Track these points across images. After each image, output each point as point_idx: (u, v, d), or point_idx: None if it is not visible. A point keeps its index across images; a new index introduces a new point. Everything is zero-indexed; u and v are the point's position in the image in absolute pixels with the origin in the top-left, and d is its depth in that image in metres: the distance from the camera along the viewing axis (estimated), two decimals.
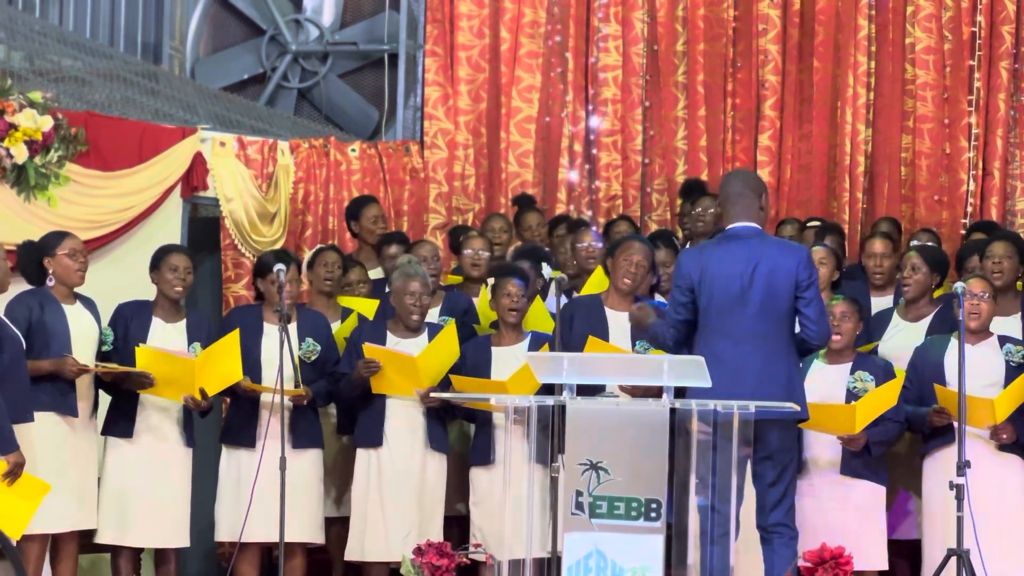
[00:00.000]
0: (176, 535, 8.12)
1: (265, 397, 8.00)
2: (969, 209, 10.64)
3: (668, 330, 7.19)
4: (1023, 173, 10.70)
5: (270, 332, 8.10)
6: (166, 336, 8.08)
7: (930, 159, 10.73)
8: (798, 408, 6.69)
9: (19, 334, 7.46)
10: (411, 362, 8.01)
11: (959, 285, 7.53)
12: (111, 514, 8.00)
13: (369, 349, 8.07)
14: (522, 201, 10.32)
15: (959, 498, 7.18)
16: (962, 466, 7.22)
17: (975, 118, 10.67)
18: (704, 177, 10.69)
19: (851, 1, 10.76)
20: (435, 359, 8.07)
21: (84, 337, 7.88)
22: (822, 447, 7.73)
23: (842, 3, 10.79)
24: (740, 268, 6.98)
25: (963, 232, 10.31)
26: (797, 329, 7.07)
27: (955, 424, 7.47)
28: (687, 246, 9.51)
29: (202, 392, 7.88)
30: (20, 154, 8.61)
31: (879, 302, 8.74)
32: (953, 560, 7.23)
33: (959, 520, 7.19)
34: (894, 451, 8.00)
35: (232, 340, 7.91)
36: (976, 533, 7.22)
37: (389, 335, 8.27)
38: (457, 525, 8.48)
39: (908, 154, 10.78)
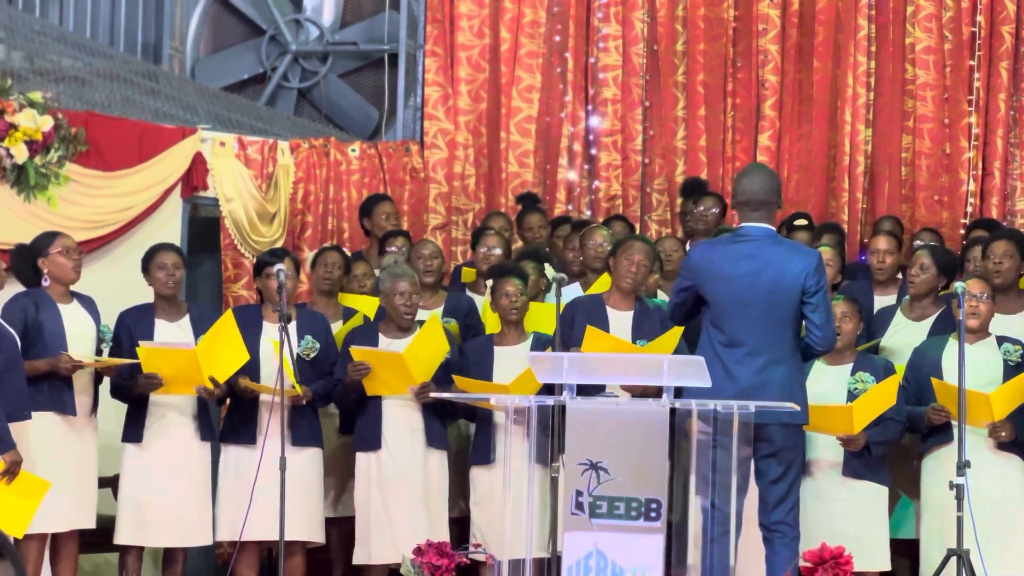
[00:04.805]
0: (197, 534, 8.13)
1: (265, 396, 8.01)
2: (969, 209, 10.64)
3: (669, 314, 7.35)
4: (1023, 173, 10.70)
5: (269, 331, 8.10)
6: (172, 335, 8.09)
7: (930, 159, 10.72)
8: (798, 408, 6.68)
9: (15, 333, 7.46)
10: (398, 359, 8.01)
11: (959, 285, 7.53)
12: (129, 515, 8.03)
13: (356, 352, 8.08)
14: (526, 200, 10.30)
15: (959, 498, 7.17)
16: (962, 466, 7.22)
17: (975, 118, 10.67)
18: (704, 177, 10.69)
19: (851, 1, 10.76)
20: (422, 353, 8.06)
21: (81, 336, 7.88)
22: (824, 448, 7.72)
23: (842, 3, 10.79)
24: (746, 269, 6.96)
25: (963, 232, 10.30)
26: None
27: (954, 423, 7.48)
28: (687, 244, 9.54)
29: (213, 381, 7.89)
30: (20, 154, 8.61)
31: (882, 300, 8.74)
32: (953, 560, 7.24)
33: (959, 520, 7.19)
34: (891, 452, 7.99)
35: (228, 322, 7.90)
36: (976, 533, 7.22)
37: (381, 337, 8.27)
38: (457, 525, 8.48)
39: (908, 154, 10.78)
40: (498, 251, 9.07)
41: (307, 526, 8.17)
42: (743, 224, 7.08)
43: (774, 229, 7.10)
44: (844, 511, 7.68)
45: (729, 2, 10.92)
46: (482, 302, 8.91)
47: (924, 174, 10.72)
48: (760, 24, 10.86)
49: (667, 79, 10.91)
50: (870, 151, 10.78)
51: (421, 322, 8.27)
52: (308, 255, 9.24)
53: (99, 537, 8.17)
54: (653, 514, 6.39)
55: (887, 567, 7.82)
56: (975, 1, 10.68)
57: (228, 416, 8.35)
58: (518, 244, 9.89)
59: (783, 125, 10.88)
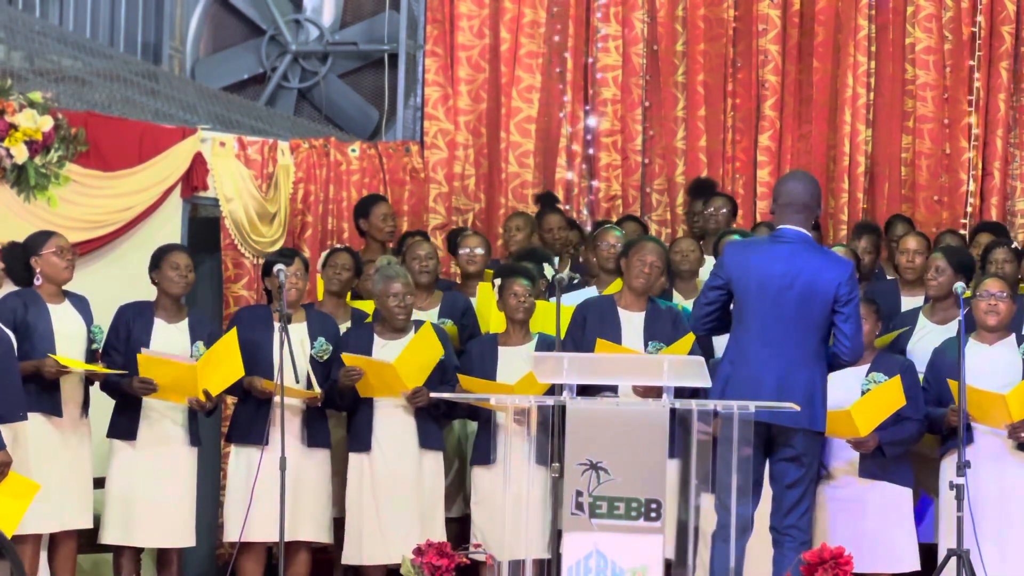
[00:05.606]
0: (182, 535, 8.12)
1: (278, 396, 7.99)
2: (969, 209, 10.64)
3: (694, 322, 7.25)
4: (1023, 173, 10.70)
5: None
6: (168, 336, 8.08)
7: (930, 159, 10.73)
8: (797, 408, 6.67)
9: (9, 333, 7.46)
10: (390, 368, 8.01)
11: (959, 286, 7.52)
12: (116, 514, 8.02)
13: (348, 358, 8.08)
14: (545, 200, 10.27)
15: (959, 498, 7.17)
16: (962, 466, 7.21)
17: (975, 118, 10.67)
18: (706, 176, 10.68)
19: (851, 1, 10.76)
20: (414, 361, 8.05)
21: (70, 336, 7.86)
22: (842, 451, 7.68)
23: (842, 3, 10.79)
24: (781, 270, 6.96)
25: (963, 233, 10.30)
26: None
27: (974, 425, 7.48)
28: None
29: (206, 393, 7.89)
30: (20, 154, 8.61)
31: (909, 301, 8.69)
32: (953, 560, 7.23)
33: (959, 520, 7.18)
34: (914, 453, 7.93)
35: (230, 340, 7.91)
36: (976, 533, 7.21)
37: (376, 338, 8.26)
38: (457, 525, 8.48)
39: (908, 154, 10.78)
40: (480, 251, 9.07)
41: (316, 526, 8.19)
42: (781, 226, 7.09)
43: (810, 235, 7.11)
44: (864, 513, 7.66)
45: (729, 2, 10.92)
46: (474, 302, 8.92)
47: (924, 174, 10.72)
48: (760, 24, 10.86)
49: (667, 79, 10.91)
50: (870, 151, 10.78)
51: (417, 322, 8.27)
52: (320, 256, 9.24)
53: (97, 536, 8.16)
54: (653, 514, 6.39)
55: (915, 567, 7.77)
56: (975, 1, 10.69)
57: (236, 417, 8.35)
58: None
59: (783, 125, 10.88)
